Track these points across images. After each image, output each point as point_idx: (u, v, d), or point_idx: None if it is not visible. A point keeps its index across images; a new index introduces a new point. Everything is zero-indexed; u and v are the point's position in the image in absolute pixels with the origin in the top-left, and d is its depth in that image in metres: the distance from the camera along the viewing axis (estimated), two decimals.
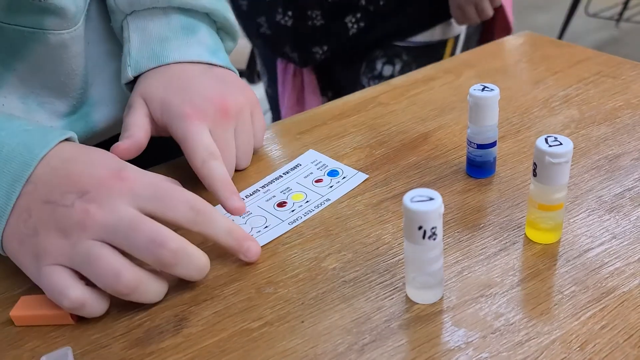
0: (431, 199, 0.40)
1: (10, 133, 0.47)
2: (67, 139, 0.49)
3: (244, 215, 0.56)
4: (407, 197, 0.40)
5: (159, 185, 0.47)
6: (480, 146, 0.55)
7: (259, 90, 2.73)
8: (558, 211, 0.47)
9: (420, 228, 0.40)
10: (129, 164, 0.49)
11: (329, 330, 0.43)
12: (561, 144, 0.44)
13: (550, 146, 0.44)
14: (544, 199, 0.46)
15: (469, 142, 0.56)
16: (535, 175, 0.46)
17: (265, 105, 2.58)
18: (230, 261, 0.50)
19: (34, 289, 0.50)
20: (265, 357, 0.42)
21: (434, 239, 0.41)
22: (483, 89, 0.53)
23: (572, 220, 0.50)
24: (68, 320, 0.45)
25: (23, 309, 0.46)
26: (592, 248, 0.48)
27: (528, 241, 0.49)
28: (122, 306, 0.47)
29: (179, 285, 0.48)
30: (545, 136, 0.45)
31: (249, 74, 2.05)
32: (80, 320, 0.46)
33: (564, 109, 0.66)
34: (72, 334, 0.45)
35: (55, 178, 0.46)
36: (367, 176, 0.59)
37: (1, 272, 0.52)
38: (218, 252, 0.51)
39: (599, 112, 0.65)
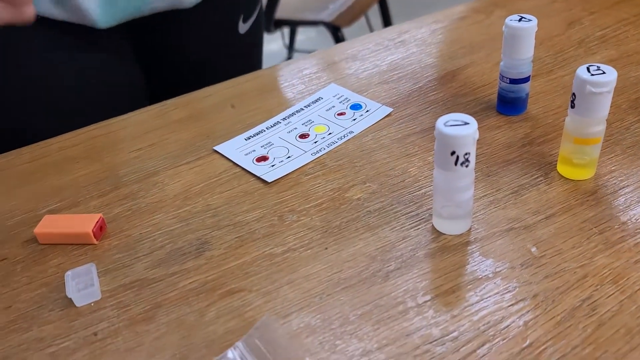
0: (466, 123, 0.38)
1: None
2: None
3: (265, 145, 0.55)
4: (440, 121, 0.39)
5: None
6: (513, 81, 0.53)
7: (278, 42, 2.69)
8: (594, 145, 0.45)
9: (453, 153, 0.39)
10: None
11: (354, 257, 0.42)
12: (604, 72, 0.42)
13: (592, 75, 0.42)
14: (580, 132, 0.45)
15: (502, 77, 0.54)
16: (573, 106, 0.44)
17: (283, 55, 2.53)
18: (252, 189, 0.50)
19: (58, 209, 0.49)
20: (289, 280, 0.41)
21: (467, 166, 0.39)
22: (520, 20, 0.51)
23: (605, 158, 0.49)
24: (91, 239, 0.45)
25: (46, 227, 0.46)
26: (628, 185, 0.46)
27: (560, 177, 0.48)
28: (143, 229, 0.46)
29: (201, 210, 0.48)
30: (587, 65, 0.43)
31: (266, 22, 2.00)
32: (103, 240, 0.46)
33: (602, 49, 0.64)
34: (94, 253, 0.45)
35: None
36: (392, 109, 0.58)
37: (27, 192, 0.52)
38: (240, 179, 0.51)
39: (638, 52, 0.63)
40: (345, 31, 1.97)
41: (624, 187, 0.46)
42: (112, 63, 0.66)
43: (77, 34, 0.61)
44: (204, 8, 0.67)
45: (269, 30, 2.01)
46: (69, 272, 0.41)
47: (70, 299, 0.40)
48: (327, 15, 1.95)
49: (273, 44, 2.75)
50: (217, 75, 0.66)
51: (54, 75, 0.62)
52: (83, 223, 0.45)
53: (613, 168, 0.48)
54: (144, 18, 0.64)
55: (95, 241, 0.45)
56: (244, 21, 0.73)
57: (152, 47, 0.69)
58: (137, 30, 0.67)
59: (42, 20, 0.58)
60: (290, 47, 2.48)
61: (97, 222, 0.45)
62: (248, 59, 0.78)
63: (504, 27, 0.51)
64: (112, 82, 0.66)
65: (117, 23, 0.62)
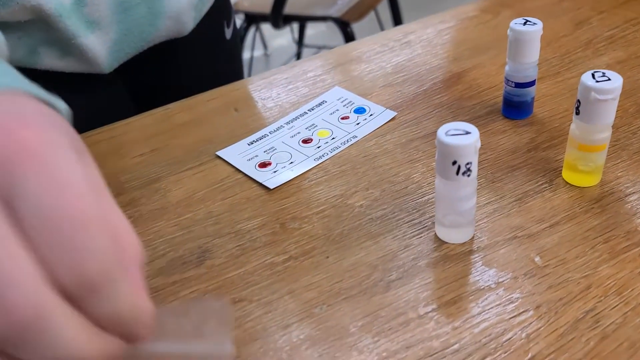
0: (467, 132, 0.38)
1: None
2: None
3: (268, 151, 0.54)
4: (441, 131, 0.38)
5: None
6: (519, 85, 0.53)
7: (287, 37, 2.67)
8: (600, 152, 0.44)
9: (454, 163, 0.38)
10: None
11: (355, 267, 0.42)
12: (609, 79, 0.41)
13: (597, 81, 0.41)
14: (585, 139, 0.44)
15: (507, 81, 0.53)
16: (577, 113, 0.43)
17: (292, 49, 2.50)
18: (254, 195, 0.49)
19: None
20: (289, 290, 0.41)
21: (468, 175, 0.39)
22: (525, 23, 0.50)
23: (612, 164, 0.48)
24: None
25: None
26: (634, 192, 0.45)
27: (565, 184, 0.47)
28: (144, 237, 0.46)
29: (203, 218, 0.48)
30: (592, 71, 0.42)
31: (274, 18, 1.99)
32: None
33: (609, 50, 0.63)
34: None
35: None
36: (395, 113, 0.57)
37: None
38: (243, 185, 0.50)
39: None
40: (355, 26, 1.96)
41: (630, 194, 0.45)
42: (109, 103, 0.64)
43: (77, 82, 0.59)
44: (197, 27, 0.66)
45: (277, 26, 2.00)
46: None
47: None
48: (336, 10, 1.94)
49: (283, 38, 2.75)
50: (208, 86, 0.65)
51: None
52: None
53: (619, 174, 0.47)
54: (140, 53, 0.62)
55: None
56: (228, 26, 0.73)
57: (146, 76, 0.67)
58: (131, 64, 0.63)
59: (42, 74, 0.55)
60: (300, 42, 2.47)
61: None
62: (236, 62, 0.77)
63: (508, 30, 0.50)
64: (115, 119, 0.63)
65: (119, 64, 0.60)
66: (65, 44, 0.55)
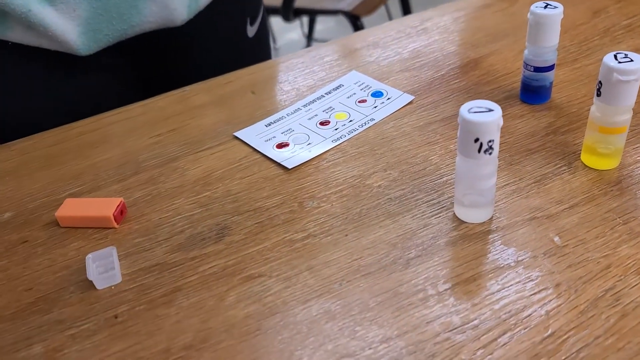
0: (490, 110, 0.38)
1: None
2: None
3: (286, 132, 0.54)
4: (464, 108, 0.38)
5: None
6: (538, 69, 0.52)
7: (297, 31, 2.68)
8: (620, 135, 0.44)
9: (476, 140, 0.38)
10: None
11: (374, 244, 0.42)
12: (632, 60, 0.41)
13: (619, 62, 0.41)
14: (606, 121, 0.44)
15: (525, 65, 0.53)
16: (599, 95, 0.43)
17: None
18: (272, 175, 0.49)
19: (79, 192, 0.50)
20: (309, 267, 0.41)
21: (490, 154, 0.39)
22: (545, 7, 0.50)
23: (631, 148, 0.48)
24: (111, 223, 0.45)
25: (67, 210, 0.46)
26: None
27: (584, 167, 0.47)
28: (163, 213, 0.47)
29: (221, 196, 0.48)
30: (614, 53, 0.42)
31: (285, 11, 1.99)
32: (123, 224, 0.46)
33: (627, 38, 0.63)
34: (115, 237, 0.45)
35: None
36: (413, 97, 0.57)
37: (48, 175, 0.52)
38: (261, 165, 0.51)
39: None
40: (365, 20, 1.96)
41: None
42: (102, 85, 0.62)
43: (59, 59, 0.57)
44: (207, 17, 0.63)
45: (288, 19, 2.00)
46: (90, 255, 0.42)
47: (91, 281, 0.41)
48: (347, 4, 1.93)
49: (292, 33, 2.75)
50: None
51: (34, 103, 0.59)
52: (104, 207, 0.46)
53: (638, 158, 0.47)
54: (136, 37, 0.59)
55: (115, 225, 0.45)
56: (251, 24, 0.70)
57: (152, 62, 0.65)
58: (129, 49, 0.62)
59: (19, 47, 0.55)
60: (309, 37, 2.47)
61: (118, 206, 0.46)
62: (260, 60, 0.74)
63: (529, 14, 0.50)
64: (103, 106, 0.61)
65: (101, 48, 0.58)
66: (19, 15, 0.52)
